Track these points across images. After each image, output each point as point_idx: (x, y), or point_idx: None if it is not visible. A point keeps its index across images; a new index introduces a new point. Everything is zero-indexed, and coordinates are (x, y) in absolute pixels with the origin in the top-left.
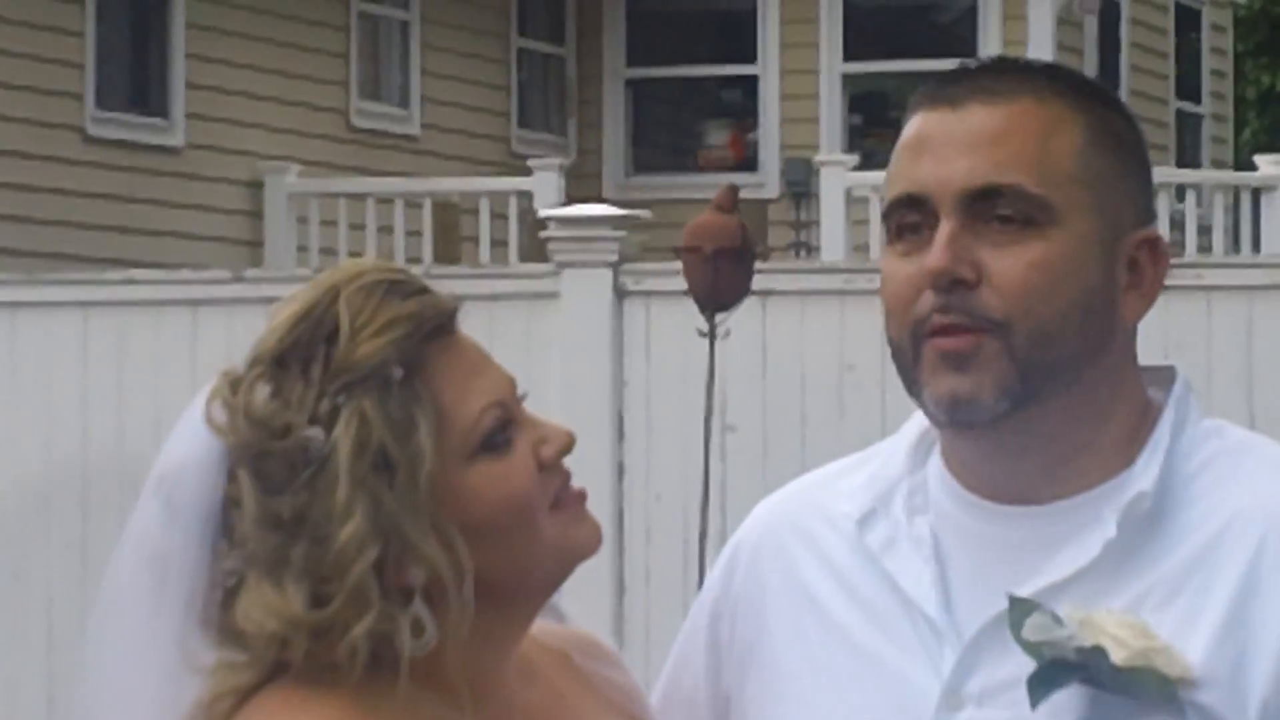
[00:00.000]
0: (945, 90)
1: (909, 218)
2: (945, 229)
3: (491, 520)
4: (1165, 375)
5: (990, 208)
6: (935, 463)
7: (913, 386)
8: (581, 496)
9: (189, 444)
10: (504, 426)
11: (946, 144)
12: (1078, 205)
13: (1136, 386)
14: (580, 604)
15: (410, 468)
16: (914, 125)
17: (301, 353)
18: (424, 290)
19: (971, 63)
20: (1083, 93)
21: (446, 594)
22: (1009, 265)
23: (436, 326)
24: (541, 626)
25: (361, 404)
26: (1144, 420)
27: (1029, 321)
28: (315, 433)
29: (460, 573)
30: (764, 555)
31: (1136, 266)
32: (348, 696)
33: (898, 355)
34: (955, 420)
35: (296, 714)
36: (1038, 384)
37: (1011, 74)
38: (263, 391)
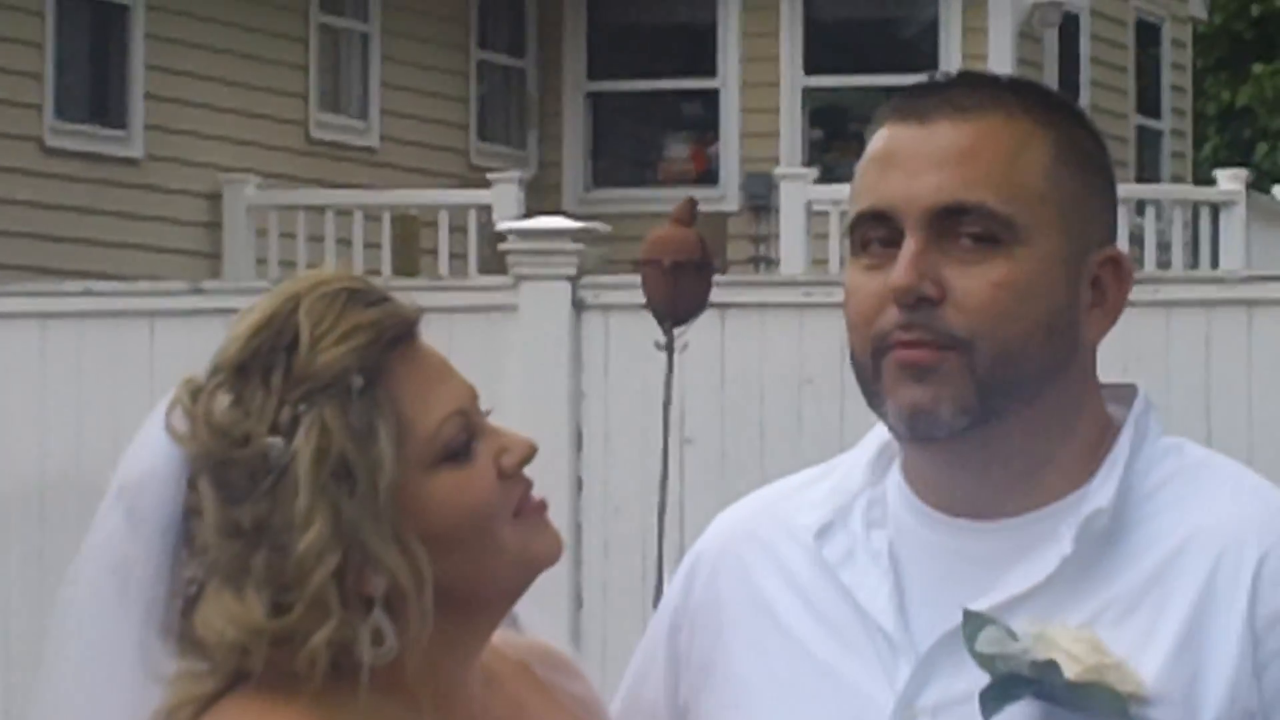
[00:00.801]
0: (914, 104)
1: (874, 232)
2: (910, 246)
3: (452, 529)
4: (1126, 392)
5: (956, 225)
6: (895, 476)
7: (874, 399)
8: (542, 506)
9: (150, 453)
10: (465, 435)
11: (914, 159)
12: (1044, 224)
13: (1097, 403)
14: (537, 616)
15: (371, 476)
16: (881, 138)
17: (262, 361)
18: (385, 299)
19: (941, 77)
20: (1051, 109)
21: (407, 602)
22: (974, 284)
23: (397, 335)
24: (503, 637)
25: (322, 412)
26: (1104, 437)
27: (993, 341)
28: (276, 441)
29: (420, 581)
30: (724, 567)
31: (1100, 285)
32: (308, 704)
33: (859, 369)
34: (915, 433)
35: None
36: (997, 402)
37: (981, 89)
38: (223, 400)
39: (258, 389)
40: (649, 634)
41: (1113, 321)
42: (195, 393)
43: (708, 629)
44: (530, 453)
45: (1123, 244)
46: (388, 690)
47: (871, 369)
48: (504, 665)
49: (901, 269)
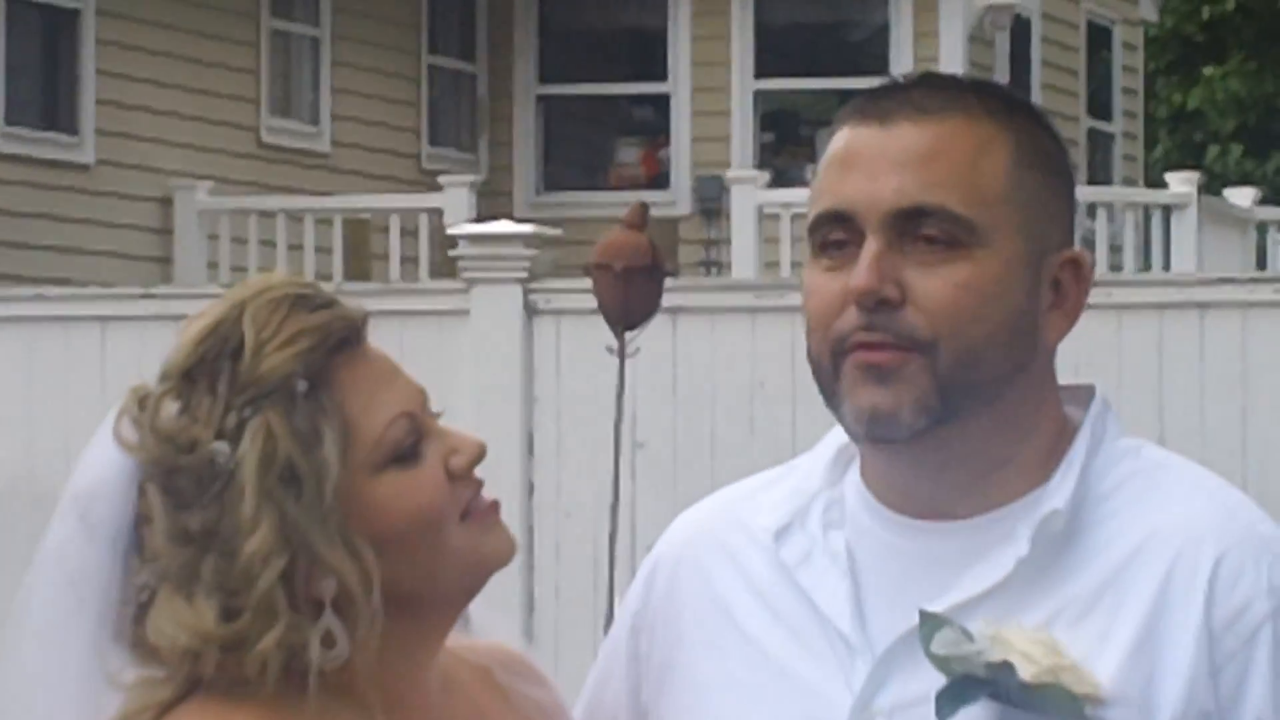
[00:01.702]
0: (875, 105)
1: (834, 234)
2: (871, 248)
3: (400, 531)
4: (1083, 393)
5: (917, 227)
6: (853, 477)
7: (832, 400)
8: (494, 507)
9: (101, 462)
10: (413, 437)
11: (875, 161)
12: (1005, 226)
13: (1055, 404)
14: (496, 620)
15: (316, 480)
16: (842, 139)
17: (208, 368)
18: (331, 303)
19: (902, 78)
20: (1012, 111)
21: (355, 605)
22: (935, 286)
23: (343, 339)
24: (464, 641)
25: (267, 417)
26: (1061, 438)
27: (955, 342)
28: (222, 447)
29: (368, 583)
30: (683, 568)
31: (1060, 286)
32: (262, 709)
33: (818, 370)
34: (874, 435)
35: None
36: (958, 403)
37: (942, 91)
38: (171, 407)
39: (204, 395)
40: (610, 636)
41: (1072, 322)
42: (143, 400)
43: (668, 631)
44: (480, 453)
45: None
46: (340, 694)
47: (830, 370)
48: (464, 670)
49: (862, 271)
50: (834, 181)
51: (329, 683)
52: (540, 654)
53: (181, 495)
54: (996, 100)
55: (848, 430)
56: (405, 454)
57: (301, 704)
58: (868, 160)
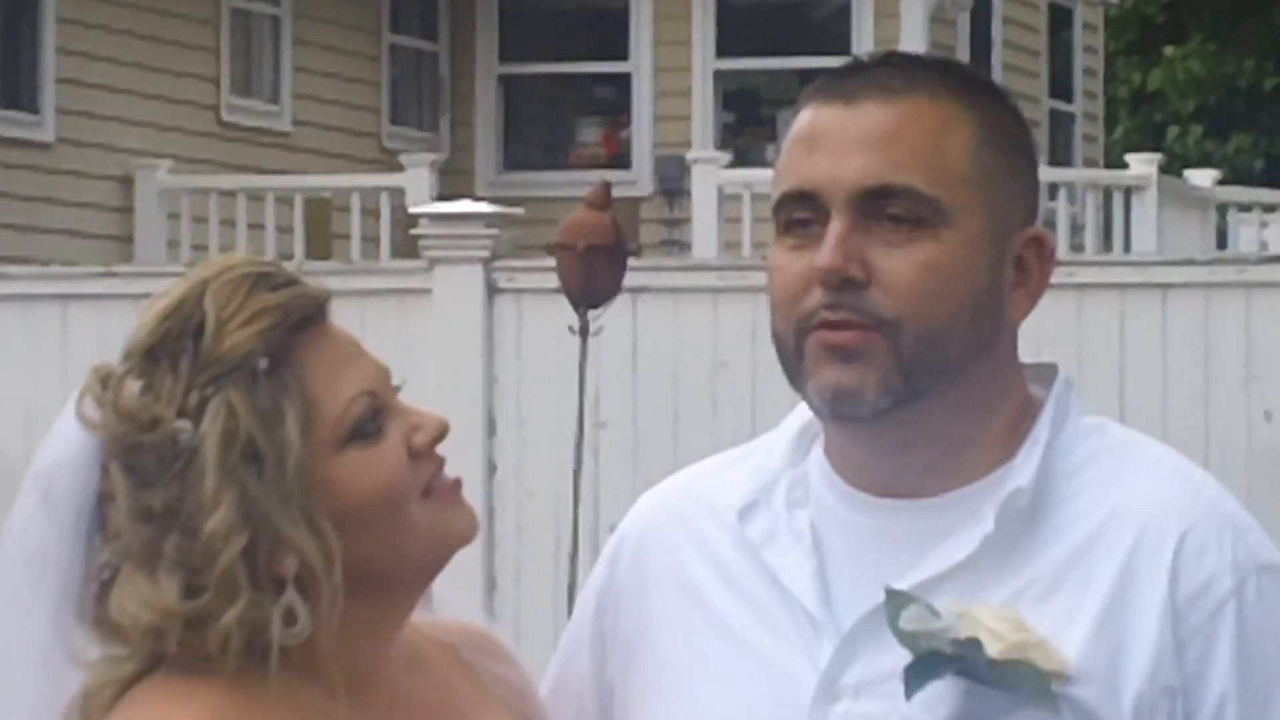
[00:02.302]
0: (840, 85)
1: (799, 213)
2: (836, 228)
3: (362, 508)
4: (1046, 372)
5: (882, 207)
6: (817, 456)
7: (796, 379)
8: (455, 485)
9: (64, 441)
10: (374, 415)
11: (840, 141)
12: (969, 205)
13: (1018, 383)
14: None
15: (278, 457)
16: (806, 119)
17: (170, 346)
18: (293, 282)
19: (866, 58)
20: (975, 90)
21: (317, 582)
22: (899, 265)
23: (304, 317)
24: (431, 620)
25: (229, 395)
26: (1024, 416)
27: (919, 322)
28: (184, 425)
29: (329, 560)
30: (648, 547)
31: (1023, 265)
32: (225, 685)
33: (782, 348)
34: (837, 413)
35: (174, 703)
36: (922, 382)
37: (906, 70)
38: (133, 386)
39: (167, 374)
40: (575, 615)
41: (1035, 301)
42: (105, 379)
43: (632, 609)
44: (442, 431)
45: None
46: (303, 671)
47: (794, 348)
48: (431, 648)
49: (827, 251)
50: (798, 161)
51: (292, 660)
52: (501, 633)
53: (144, 473)
54: (960, 80)
55: (812, 408)
56: (367, 431)
57: (263, 681)
58: (833, 140)
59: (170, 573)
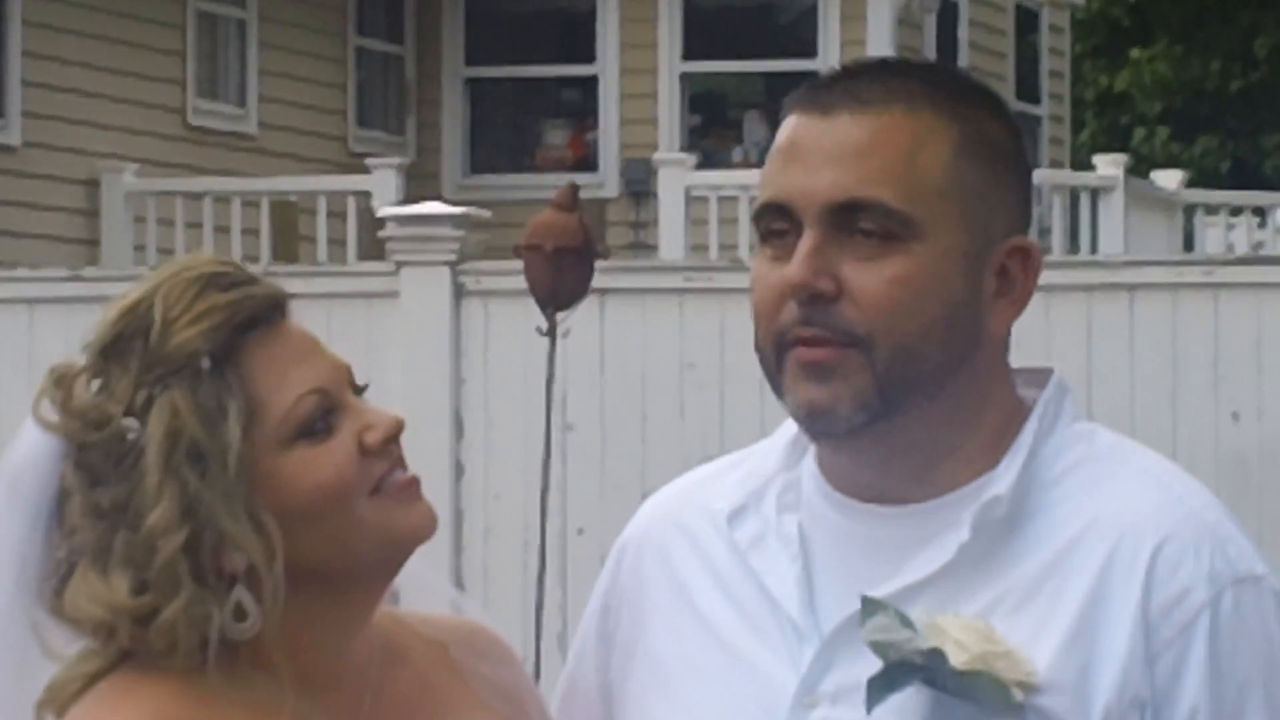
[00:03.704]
0: (818, 95)
1: (776, 224)
2: (807, 241)
3: (309, 505)
4: (1042, 376)
5: (854, 221)
6: (810, 461)
7: (777, 391)
8: (411, 482)
9: (29, 440)
10: (324, 413)
11: (814, 154)
12: (943, 220)
13: (1005, 390)
14: (419, 602)
15: (220, 455)
16: (786, 129)
17: (123, 346)
18: (247, 282)
19: (849, 65)
20: (960, 97)
21: (259, 577)
22: (870, 281)
23: (252, 316)
24: (427, 617)
25: (173, 394)
26: (1012, 423)
27: (891, 337)
28: (131, 423)
29: (271, 556)
30: (646, 551)
31: (1007, 274)
32: (176, 683)
33: (764, 361)
34: (814, 429)
35: (124, 698)
36: (897, 398)
37: (887, 80)
38: (91, 385)
39: (119, 373)
40: (584, 619)
41: (1020, 310)
42: (60, 380)
43: (632, 612)
44: (395, 429)
45: None
46: (259, 668)
47: (774, 362)
48: (416, 644)
49: (796, 265)
50: (776, 172)
51: (247, 657)
52: None
53: (95, 471)
54: (944, 88)
55: (794, 421)
56: (315, 429)
57: (220, 677)
58: (806, 152)
59: (121, 569)
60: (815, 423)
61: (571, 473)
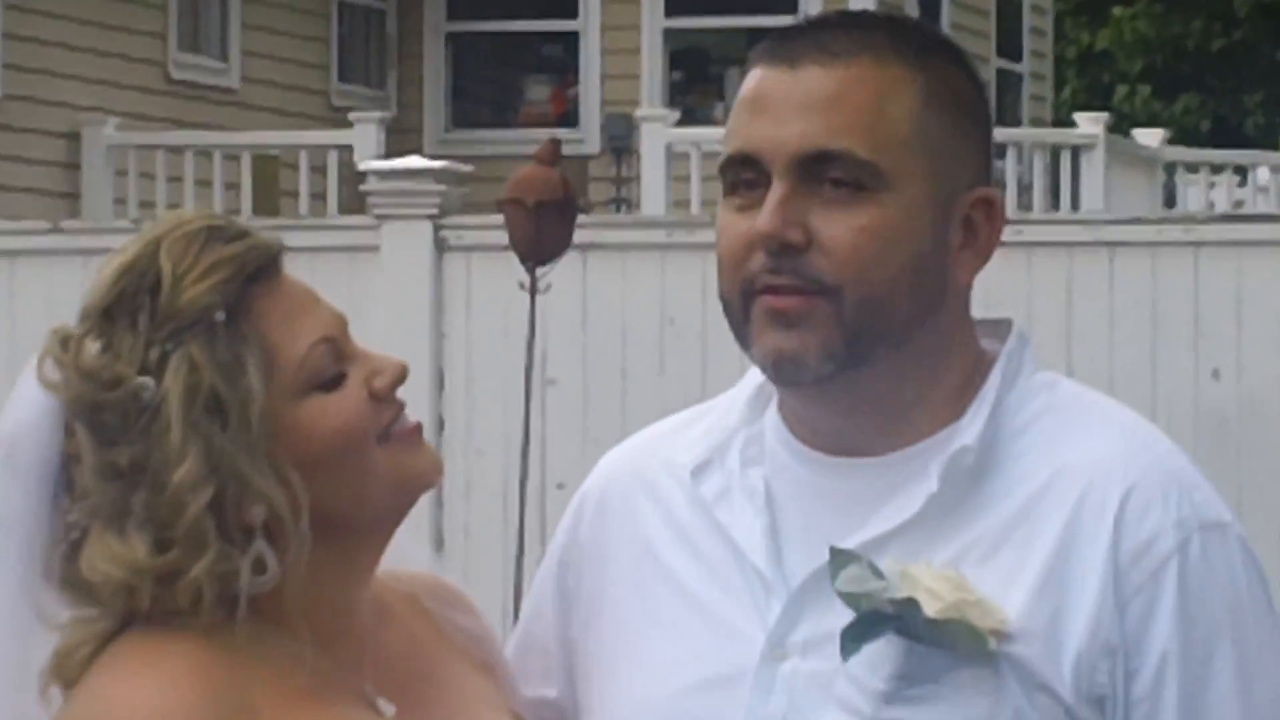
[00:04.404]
0: (784, 47)
1: (743, 175)
2: (776, 192)
3: (325, 453)
4: (1003, 328)
5: (822, 172)
6: (772, 414)
7: (742, 340)
8: (416, 428)
9: (26, 404)
10: (334, 361)
11: (781, 105)
12: (910, 170)
13: (969, 341)
14: (398, 557)
15: (241, 408)
16: (752, 81)
17: (128, 304)
18: (246, 234)
19: (815, 18)
20: (925, 50)
21: (285, 530)
22: (839, 230)
23: (259, 268)
24: (391, 571)
25: (189, 349)
26: (976, 373)
27: (860, 288)
28: (146, 381)
29: (296, 508)
30: (608, 505)
31: (971, 226)
32: (200, 638)
33: (729, 310)
34: (781, 378)
35: (153, 658)
36: (864, 349)
37: (853, 32)
38: (93, 346)
39: (125, 332)
40: (540, 573)
41: (984, 261)
42: (65, 341)
43: (593, 567)
44: (401, 374)
45: None
46: (275, 623)
47: (740, 311)
48: (395, 598)
49: (766, 215)
50: (743, 124)
51: (263, 612)
52: None
53: (108, 432)
54: (910, 40)
55: (760, 370)
56: (328, 378)
57: (238, 632)
58: (775, 104)
59: (139, 529)
60: (782, 371)
61: (552, 427)
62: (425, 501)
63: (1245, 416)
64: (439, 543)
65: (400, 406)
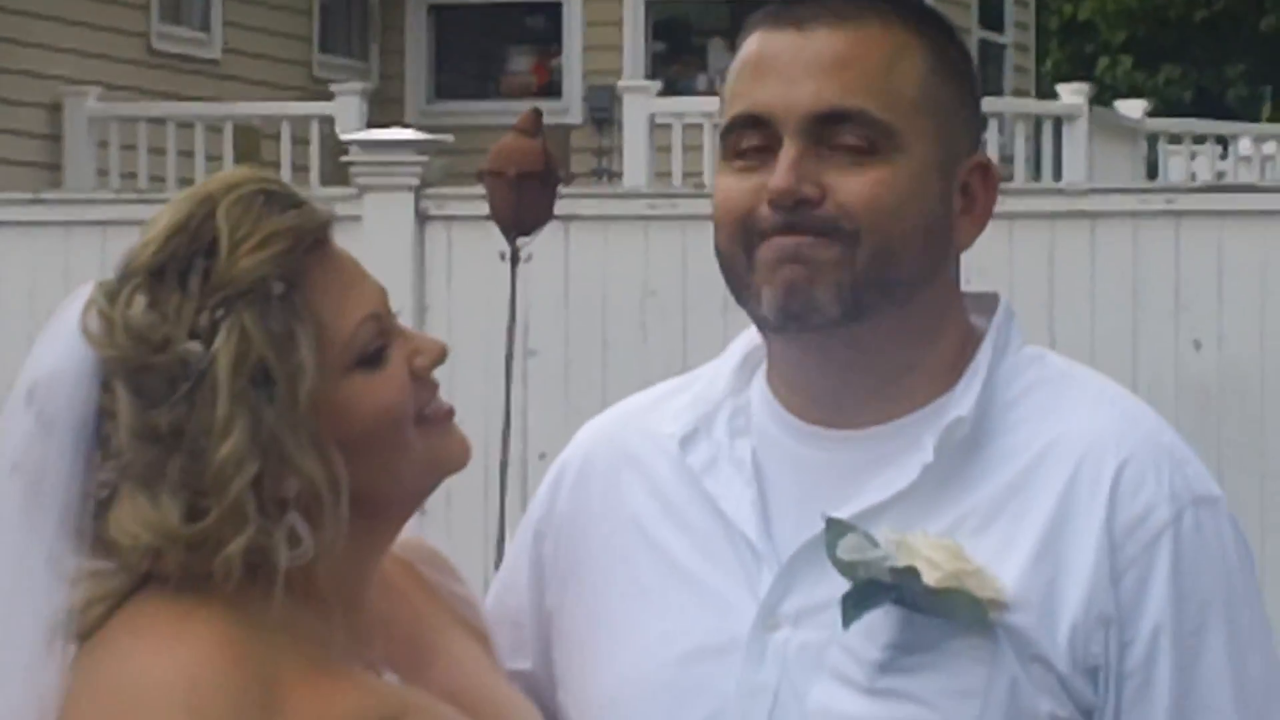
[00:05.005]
0: (791, 11)
1: (749, 138)
2: (791, 151)
3: (366, 432)
4: (987, 302)
5: (834, 133)
6: (759, 385)
7: (744, 292)
8: (449, 412)
9: (61, 354)
10: (379, 339)
11: (792, 66)
12: (920, 133)
13: (961, 312)
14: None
15: (290, 383)
16: (755, 44)
17: (179, 265)
18: (301, 202)
19: None
20: (924, 20)
21: (322, 506)
22: (855, 183)
23: (315, 240)
24: None
25: (241, 318)
26: (966, 345)
27: (876, 236)
28: (194, 346)
29: (337, 486)
30: (589, 475)
31: (969, 191)
32: (222, 607)
33: (729, 263)
34: (789, 314)
35: (183, 626)
36: (872, 299)
37: None
38: (140, 303)
39: (174, 293)
40: (514, 544)
41: (982, 227)
42: (111, 295)
43: (572, 537)
44: (442, 354)
45: None
46: (300, 597)
47: (745, 260)
48: (395, 567)
49: (782, 172)
50: (749, 86)
51: (288, 585)
52: None
53: (151, 393)
54: (909, 9)
55: (761, 320)
56: (372, 355)
57: (259, 604)
58: (785, 65)
59: (173, 494)
60: (792, 305)
61: (533, 398)
62: None
63: (1226, 386)
64: (421, 511)
65: (435, 387)
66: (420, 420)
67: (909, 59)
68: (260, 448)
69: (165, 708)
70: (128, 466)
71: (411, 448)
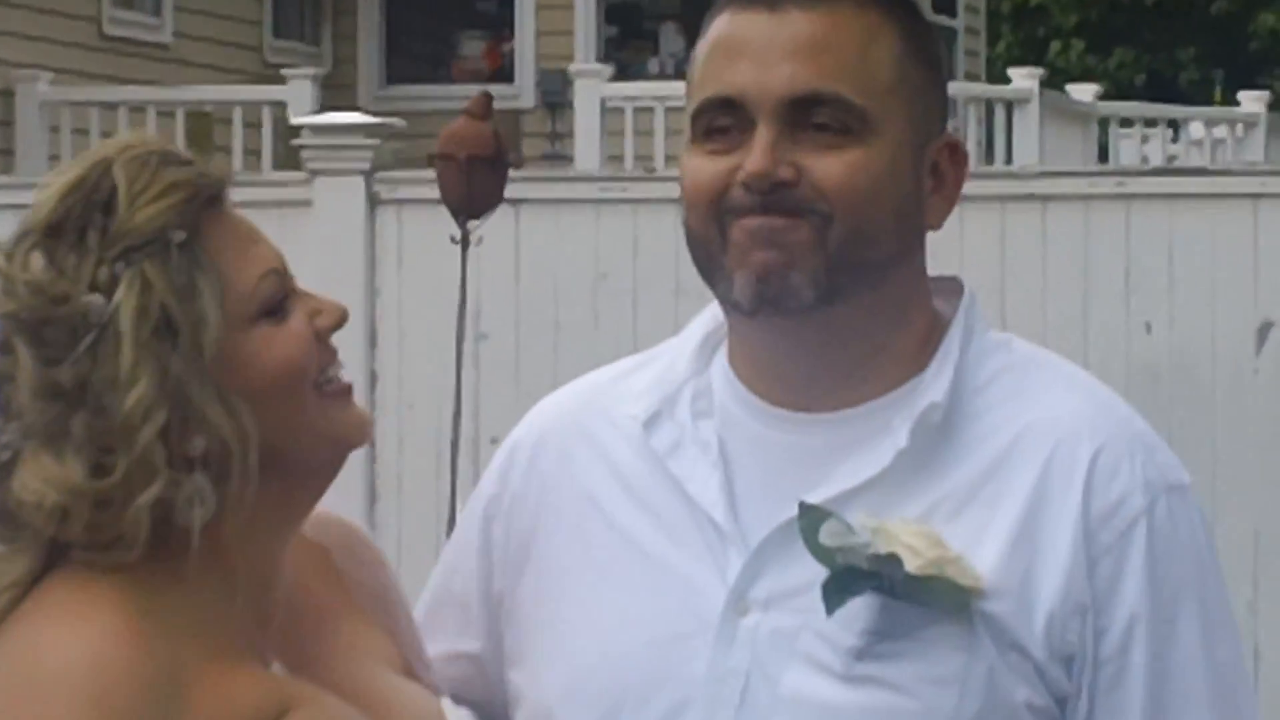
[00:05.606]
0: None
1: (721, 120)
2: (766, 134)
3: (269, 385)
4: (951, 286)
5: (809, 116)
6: (720, 365)
7: (716, 274)
8: (348, 388)
9: None
10: (281, 293)
11: (765, 49)
12: (893, 115)
13: (928, 295)
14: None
15: (194, 332)
16: (725, 26)
17: (76, 221)
18: (194, 161)
19: None
20: (893, 2)
21: (230, 462)
22: (831, 165)
23: (212, 194)
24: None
25: (143, 269)
26: (934, 330)
27: (851, 218)
28: (95, 299)
29: (245, 439)
30: (543, 456)
31: (939, 171)
32: (130, 580)
33: (700, 244)
34: (764, 298)
35: (87, 607)
36: (845, 281)
37: None
38: (37, 260)
39: (71, 249)
40: (460, 526)
41: (951, 206)
42: (8, 255)
43: (524, 519)
44: (342, 316)
45: None
46: (207, 569)
47: (718, 240)
48: (307, 555)
49: (758, 156)
50: (720, 68)
51: (199, 552)
52: (383, 543)
53: (51, 350)
54: None
55: (733, 303)
56: (275, 309)
57: (166, 575)
58: (757, 48)
59: (78, 451)
60: (767, 288)
61: (485, 381)
62: (359, 455)
63: (1176, 369)
64: (372, 496)
65: (335, 354)
66: (319, 392)
67: (882, 42)
68: (167, 397)
69: (68, 693)
70: (30, 426)
71: (309, 411)
